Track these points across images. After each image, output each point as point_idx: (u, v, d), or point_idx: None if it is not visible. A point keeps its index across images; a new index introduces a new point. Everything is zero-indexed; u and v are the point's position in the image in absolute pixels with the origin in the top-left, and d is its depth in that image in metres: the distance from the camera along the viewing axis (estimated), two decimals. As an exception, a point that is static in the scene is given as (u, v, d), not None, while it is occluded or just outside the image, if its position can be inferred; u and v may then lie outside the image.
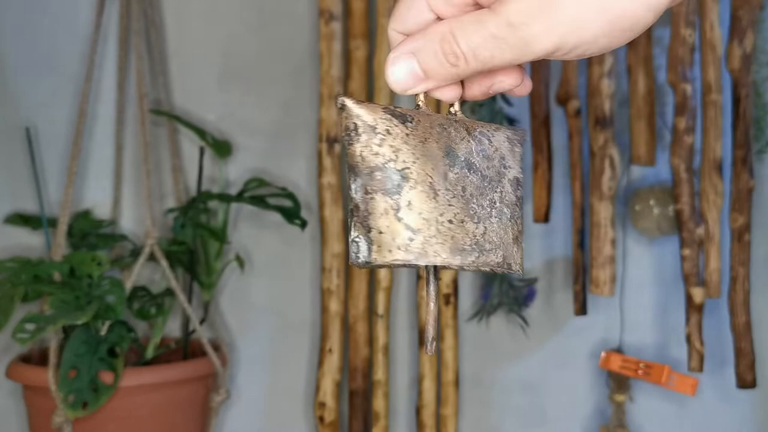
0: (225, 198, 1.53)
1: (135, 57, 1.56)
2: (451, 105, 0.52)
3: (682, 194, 1.47)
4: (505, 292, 1.56)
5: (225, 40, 1.66)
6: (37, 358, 1.48)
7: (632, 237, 1.59)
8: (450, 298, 1.57)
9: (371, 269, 0.54)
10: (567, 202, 1.58)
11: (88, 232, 1.55)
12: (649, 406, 1.60)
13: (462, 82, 0.52)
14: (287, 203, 1.54)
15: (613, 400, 1.56)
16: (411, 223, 0.47)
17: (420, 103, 0.51)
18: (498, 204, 0.50)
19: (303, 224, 1.52)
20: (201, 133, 1.56)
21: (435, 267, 0.49)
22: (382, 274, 1.58)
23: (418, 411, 1.59)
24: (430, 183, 0.48)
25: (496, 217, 0.50)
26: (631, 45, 1.52)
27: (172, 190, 1.63)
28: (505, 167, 0.51)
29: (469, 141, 0.50)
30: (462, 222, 0.48)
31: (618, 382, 1.55)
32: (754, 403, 1.58)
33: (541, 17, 0.45)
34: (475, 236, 0.49)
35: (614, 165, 1.50)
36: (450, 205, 0.48)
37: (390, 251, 0.47)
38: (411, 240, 0.47)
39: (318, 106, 1.61)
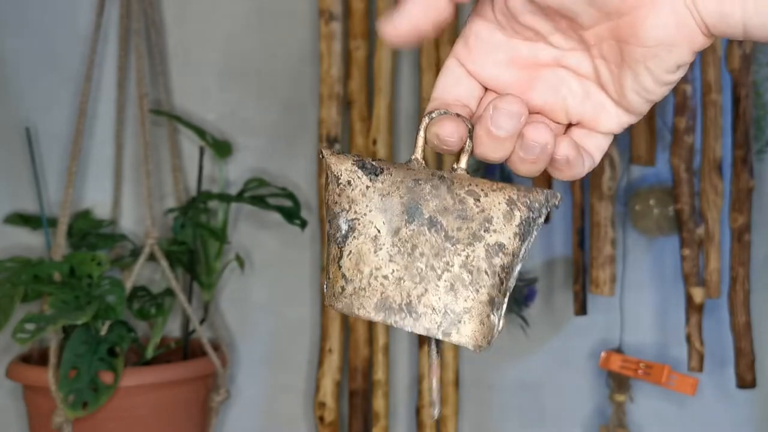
0: (225, 198, 1.53)
1: (135, 57, 1.56)
2: (457, 162, 0.50)
3: (682, 194, 1.47)
4: (505, 292, 1.56)
5: (225, 40, 1.66)
6: (37, 358, 1.48)
7: (632, 237, 1.59)
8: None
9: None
10: (567, 202, 1.58)
11: (88, 232, 1.55)
12: (649, 406, 1.60)
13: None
14: (287, 203, 1.54)
15: (613, 400, 1.56)
16: (346, 272, 0.48)
17: (414, 157, 0.50)
18: (455, 268, 0.47)
19: (303, 224, 1.52)
20: (201, 133, 1.56)
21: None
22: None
23: (418, 411, 1.59)
24: (375, 236, 0.47)
25: (447, 282, 0.47)
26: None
27: (172, 190, 1.63)
28: (486, 231, 0.48)
29: (444, 199, 0.48)
30: (399, 280, 0.47)
31: (618, 382, 1.55)
32: (754, 403, 1.58)
33: None
34: (410, 297, 0.47)
35: (614, 165, 1.50)
36: (391, 261, 0.47)
37: (330, 297, 0.48)
38: (342, 289, 0.48)
39: (318, 106, 1.61)
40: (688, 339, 1.48)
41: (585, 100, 0.49)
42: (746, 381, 1.46)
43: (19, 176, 1.61)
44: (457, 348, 1.58)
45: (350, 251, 0.48)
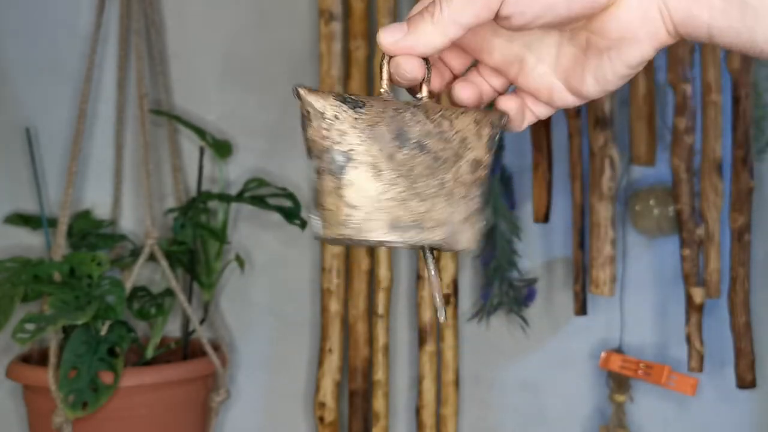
0: (225, 198, 1.53)
1: (135, 57, 1.56)
2: (418, 92, 0.55)
3: (682, 194, 1.47)
4: (505, 292, 1.56)
5: (225, 40, 1.66)
6: (37, 358, 1.48)
7: (632, 237, 1.59)
8: (450, 298, 1.57)
9: (334, 244, 0.56)
10: (567, 202, 1.58)
11: (88, 232, 1.55)
12: (649, 406, 1.60)
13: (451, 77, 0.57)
14: (287, 203, 1.54)
15: (613, 400, 1.56)
16: (351, 200, 0.51)
17: (382, 90, 0.54)
18: (449, 184, 0.52)
19: (303, 224, 1.52)
20: (201, 133, 1.56)
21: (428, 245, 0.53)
22: (382, 274, 1.58)
23: (418, 411, 1.59)
24: (374, 163, 0.51)
25: (444, 197, 0.52)
26: (631, 45, 1.52)
27: (172, 190, 1.63)
28: (465, 148, 0.53)
29: (425, 124, 0.52)
30: (404, 200, 0.51)
31: (618, 382, 1.55)
32: (754, 403, 1.58)
33: None
34: (417, 214, 0.51)
35: (614, 165, 1.50)
36: (393, 184, 0.51)
37: (334, 227, 0.51)
38: (349, 216, 0.51)
39: (318, 106, 1.60)
40: (688, 339, 1.48)
41: (539, 78, 0.55)
42: (746, 381, 1.46)
43: (19, 176, 1.61)
44: (457, 348, 1.58)
45: (351, 180, 0.51)
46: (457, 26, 0.50)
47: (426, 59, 0.53)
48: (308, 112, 0.52)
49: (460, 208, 0.53)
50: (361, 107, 0.52)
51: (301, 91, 0.52)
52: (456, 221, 0.52)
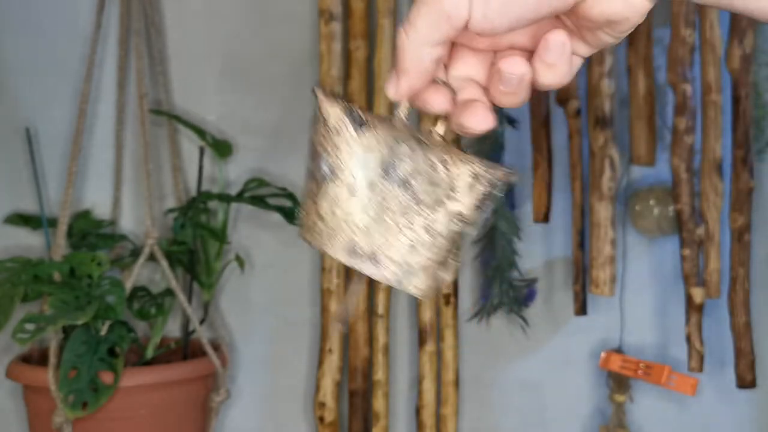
0: (225, 198, 1.53)
1: (135, 57, 1.56)
2: (434, 125, 0.53)
3: (682, 194, 1.47)
4: (505, 292, 1.56)
5: (225, 40, 1.66)
6: (37, 358, 1.48)
7: (632, 237, 1.59)
8: (450, 298, 1.58)
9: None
10: (567, 202, 1.58)
11: (88, 232, 1.55)
12: (649, 406, 1.60)
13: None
14: (287, 203, 1.54)
15: (613, 400, 1.56)
16: (321, 211, 0.51)
17: (400, 111, 0.53)
18: (417, 228, 0.51)
19: (303, 224, 1.52)
20: (201, 133, 1.56)
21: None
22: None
23: (418, 411, 1.59)
24: (352, 185, 0.51)
25: (408, 239, 0.51)
26: (631, 45, 1.52)
27: (172, 190, 1.63)
28: (449, 198, 0.51)
29: (418, 163, 0.51)
30: (367, 230, 0.51)
31: (618, 382, 1.55)
32: (754, 403, 1.58)
33: None
34: (376, 247, 0.51)
35: (614, 165, 1.50)
36: (363, 210, 0.51)
37: (302, 228, 0.52)
38: (315, 224, 0.52)
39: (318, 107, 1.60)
40: (688, 339, 1.48)
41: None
42: (746, 381, 1.46)
43: (19, 176, 1.61)
44: (457, 348, 1.58)
45: (327, 192, 0.51)
46: (429, 46, 0.49)
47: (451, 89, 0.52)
48: (317, 114, 0.52)
49: (421, 255, 0.51)
50: (363, 129, 0.51)
51: (318, 93, 0.52)
52: (413, 266, 0.51)
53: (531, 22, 0.50)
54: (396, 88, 0.52)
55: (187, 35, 1.66)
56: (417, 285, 0.52)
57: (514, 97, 0.52)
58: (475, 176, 0.51)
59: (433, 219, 0.51)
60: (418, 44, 0.50)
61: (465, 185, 0.51)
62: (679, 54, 1.45)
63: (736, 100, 1.45)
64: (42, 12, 1.63)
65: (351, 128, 0.51)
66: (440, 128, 0.53)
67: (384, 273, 0.51)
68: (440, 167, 0.51)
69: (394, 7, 1.57)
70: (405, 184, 0.51)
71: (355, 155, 0.51)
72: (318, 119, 0.52)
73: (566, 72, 0.52)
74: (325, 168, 0.51)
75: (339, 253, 0.51)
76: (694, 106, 1.46)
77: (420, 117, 1.37)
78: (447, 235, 0.51)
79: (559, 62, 0.51)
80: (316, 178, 0.51)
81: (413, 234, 0.51)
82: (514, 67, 0.51)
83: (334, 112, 0.51)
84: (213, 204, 1.57)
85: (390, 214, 0.51)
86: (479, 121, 0.51)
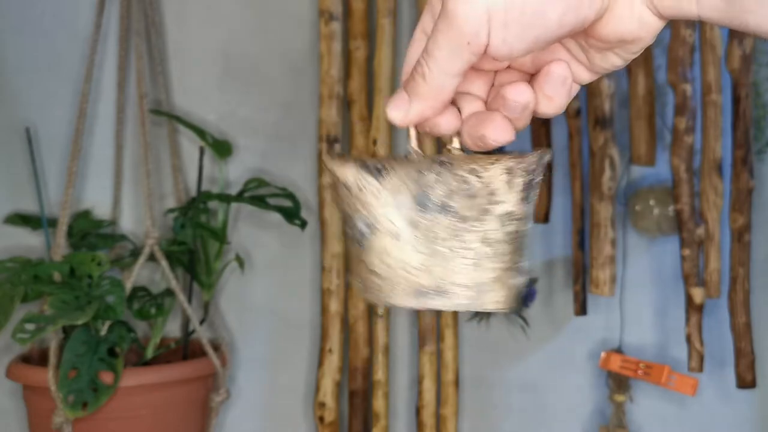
0: (225, 198, 1.53)
1: (135, 57, 1.56)
2: (450, 143, 0.53)
3: (682, 194, 1.47)
4: (505, 292, 1.56)
5: (225, 40, 1.66)
6: (37, 358, 1.48)
7: (632, 237, 1.59)
8: (450, 298, 1.57)
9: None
10: (567, 202, 1.58)
11: (88, 232, 1.55)
12: (649, 406, 1.60)
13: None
14: (287, 203, 1.54)
15: (613, 400, 1.56)
16: (373, 267, 0.50)
17: (411, 147, 0.52)
18: (475, 244, 0.50)
19: (303, 224, 1.52)
20: (201, 133, 1.56)
21: None
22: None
23: (418, 411, 1.59)
24: (395, 232, 0.50)
25: (471, 259, 0.50)
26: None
27: (172, 190, 1.63)
28: (493, 203, 0.50)
29: (449, 184, 0.50)
30: (426, 267, 0.50)
31: (618, 382, 1.55)
32: (754, 403, 1.58)
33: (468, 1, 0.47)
34: (440, 280, 0.50)
35: (614, 165, 1.50)
36: (416, 251, 0.50)
37: (361, 290, 0.52)
38: (372, 282, 0.51)
39: (318, 107, 1.61)
40: (688, 339, 1.48)
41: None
42: (746, 381, 1.46)
43: (19, 176, 1.61)
44: (457, 348, 1.58)
45: (372, 248, 0.50)
46: (450, 76, 0.49)
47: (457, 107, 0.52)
48: (335, 179, 0.51)
49: (488, 269, 0.50)
50: (383, 176, 0.50)
51: (326, 160, 0.52)
52: (484, 282, 0.50)
53: (549, 45, 0.49)
54: (405, 114, 0.51)
55: (187, 35, 1.66)
56: (494, 299, 0.51)
57: (517, 123, 0.52)
58: (509, 171, 0.51)
59: (485, 229, 0.50)
60: (439, 75, 0.49)
61: (502, 184, 0.50)
62: (679, 54, 1.45)
63: (736, 100, 1.45)
64: (42, 12, 1.63)
65: (372, 180, 0.50)
66: (456, 143, 0.53)
67: (457, 301, 0.50)
68: (471, 178, 0.50)
69: (394, 7, 1.57)
70: (444, 208, 0.50)
71: (386, 203, 0.50)
72: (337, 185, 0.51)
73: (564, 103, 0.52)
74: (362, 226, 0.50)
75: (406, 301, 0.50)
76: (694, 106, 1.46)
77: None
78: (505, 239, 0.50)
79: (557, 95, 0.51)
80: (357, 239, 0.51)
81: (471, 252, 0.50)
82: (520, 95, 0.50)
83: (350, 173, 0.51)
84: (213, 204, 1.57)
85: (441, 243, 0.50)
86: (502, 132, 0.51)
